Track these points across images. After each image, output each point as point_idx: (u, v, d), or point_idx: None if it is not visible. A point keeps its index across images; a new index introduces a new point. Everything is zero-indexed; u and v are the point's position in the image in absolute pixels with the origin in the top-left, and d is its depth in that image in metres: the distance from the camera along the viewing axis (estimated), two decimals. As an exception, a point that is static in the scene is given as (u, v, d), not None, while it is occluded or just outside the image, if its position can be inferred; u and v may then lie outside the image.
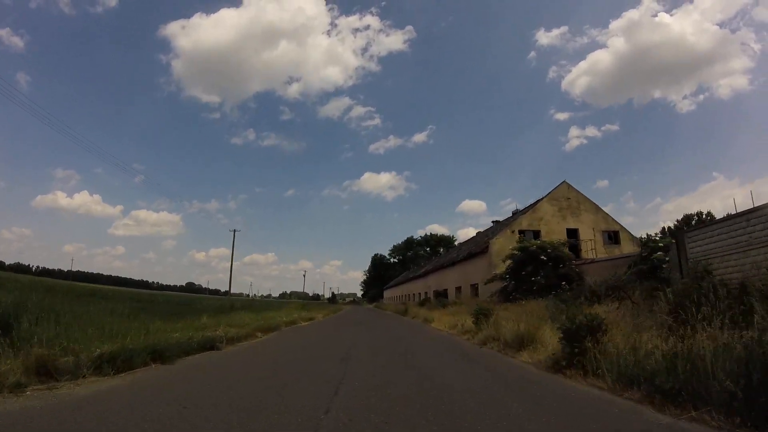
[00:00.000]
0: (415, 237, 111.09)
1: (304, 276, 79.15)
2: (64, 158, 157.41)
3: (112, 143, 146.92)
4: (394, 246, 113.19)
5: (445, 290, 31.77)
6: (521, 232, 25.36)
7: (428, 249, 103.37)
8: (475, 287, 26.20)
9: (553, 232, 24.67)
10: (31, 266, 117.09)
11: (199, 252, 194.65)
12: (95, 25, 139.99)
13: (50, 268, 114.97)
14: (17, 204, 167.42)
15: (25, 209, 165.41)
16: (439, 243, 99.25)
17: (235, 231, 40.01)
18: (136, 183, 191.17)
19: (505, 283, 18.48)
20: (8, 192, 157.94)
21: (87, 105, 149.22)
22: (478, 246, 27.64)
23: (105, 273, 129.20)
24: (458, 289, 29.25)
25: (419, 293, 44.70)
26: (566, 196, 27.04)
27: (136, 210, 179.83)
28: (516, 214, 28.86)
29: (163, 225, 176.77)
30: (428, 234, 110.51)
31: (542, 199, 26.90)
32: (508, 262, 19.12)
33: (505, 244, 24.57)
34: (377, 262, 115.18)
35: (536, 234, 25.49)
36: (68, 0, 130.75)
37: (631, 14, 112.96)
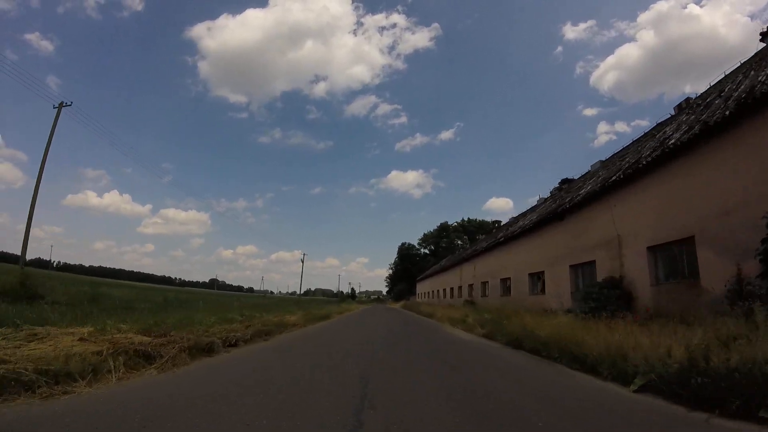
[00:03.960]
0: (450, 223, 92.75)
1: (302, 262, 66.42)
2: (94, 159, 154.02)
3: (141, 144, 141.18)
4: (424, 234, 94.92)
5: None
6: None
7: (465, 237, 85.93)
8: None
9: None
10: (52, 261, 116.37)
11: (227, 249, 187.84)
12: (122, 28, 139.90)
13: (71, 263, 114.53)
14: (49, 203, 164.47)
15: (57, 208, 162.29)
16: (478, 230, 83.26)
17: (62, 104, 20.95)
18: (165, 182, 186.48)
19: None
20: (40, 191, 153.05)
21: (115, 107, 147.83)
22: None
23: (134, 270, 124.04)
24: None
25: (499, 279, 24.42)
26: None
27: (164, 209, 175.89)
28: None
29: (191, 223, 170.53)
30: (465, 219, 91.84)
31: None
32: None
33: None
34: (405, 252, 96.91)
35: None
36: (95, 5, 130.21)
37: (660, 6, 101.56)
